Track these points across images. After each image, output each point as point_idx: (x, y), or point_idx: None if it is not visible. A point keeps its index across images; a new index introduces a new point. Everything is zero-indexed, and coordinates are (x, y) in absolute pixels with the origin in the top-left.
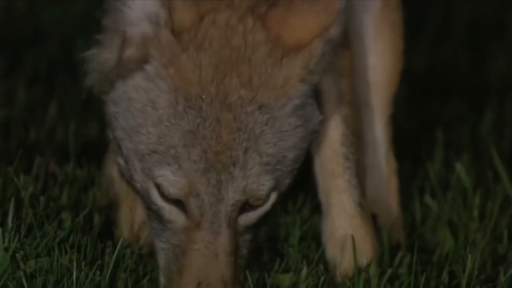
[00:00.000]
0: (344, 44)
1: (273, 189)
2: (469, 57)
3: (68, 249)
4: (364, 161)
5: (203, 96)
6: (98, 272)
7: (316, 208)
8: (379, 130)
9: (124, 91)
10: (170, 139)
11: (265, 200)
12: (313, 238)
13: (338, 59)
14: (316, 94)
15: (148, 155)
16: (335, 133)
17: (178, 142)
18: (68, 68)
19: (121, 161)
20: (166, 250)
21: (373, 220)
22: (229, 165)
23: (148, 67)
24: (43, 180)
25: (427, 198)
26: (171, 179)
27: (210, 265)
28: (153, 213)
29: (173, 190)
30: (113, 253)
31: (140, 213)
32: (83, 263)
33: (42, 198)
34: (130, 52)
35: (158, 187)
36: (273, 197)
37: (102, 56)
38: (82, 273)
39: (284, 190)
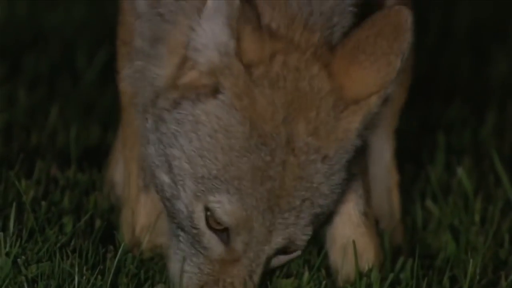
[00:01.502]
0: None
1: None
2: (471, 61)
3: (69, 253)
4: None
5: (275, 136)
6: (99, 277)
7: None
8: (384, 143)
9: (192, 113)
10: (237, 170)
11: (296, 249)
12: (315, 243)
13: None
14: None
15: (207, 179)
16: None
17: (245, 176)
18: (70, 72)
19: (165, 178)
20: (192, 274)
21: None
22: (285, 211)
23: (221, 97)
24: (44, 185)
25: (429, 203)
26: (226, 208)
27: None
28: (188, 235)
29: (226, 218)
30: (115, 257)
31: (142, 218)
32: (84, 268)
33: (43, 203)
34: (194, 77)
35: (207, 211)
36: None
37: (152, 70)
38: (84, 278)
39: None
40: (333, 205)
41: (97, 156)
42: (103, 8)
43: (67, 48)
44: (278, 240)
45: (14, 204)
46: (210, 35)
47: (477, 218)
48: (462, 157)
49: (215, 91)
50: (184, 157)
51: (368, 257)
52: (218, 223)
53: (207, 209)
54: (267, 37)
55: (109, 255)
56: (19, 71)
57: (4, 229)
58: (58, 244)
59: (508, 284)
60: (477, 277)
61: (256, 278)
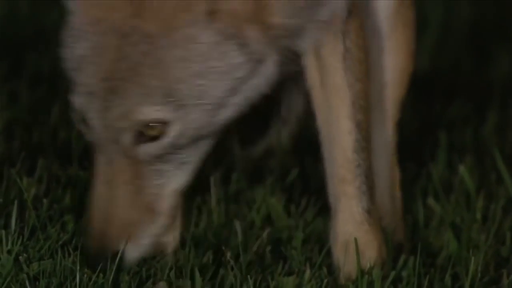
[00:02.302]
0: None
1: (168, 122)
2: (472, 59)
3: (71, 251)
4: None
5: (97, 22)
6: (101, 275)
7: (320, 211)
8: (387, 136)
9: None
10: (68, 63)
11: (162, 132)
12: (316, 241)
13: (355, 63)
14: (240, 37)
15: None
16: (348, 139)
17: (71, 66)
18: None
19: None
20: None
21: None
22: (109, 93)
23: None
24: (46, 183)
25: (430, 200)
26: (72, 101)
27: (111, 194)
28: None
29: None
30: (116, 255)
31: None
32: (86, 266)
33: (45, 200)
34: None
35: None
36: (174, 130)
37: None
38: (85, 275)
39: (204, 126)
40: (186, 86)
41: None
42: None
43: None
44: (114, 123)
45: (15, 202)
46: None
47: (478, 216)
48: (464, 156)
49: None
50: None
51: (371, 255)
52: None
53: None
54: None
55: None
56: (20, 69)
57: (6, 226)
58: (60, 242)
59: (509, 282)
60: (479, 275)
61: (120, 168)
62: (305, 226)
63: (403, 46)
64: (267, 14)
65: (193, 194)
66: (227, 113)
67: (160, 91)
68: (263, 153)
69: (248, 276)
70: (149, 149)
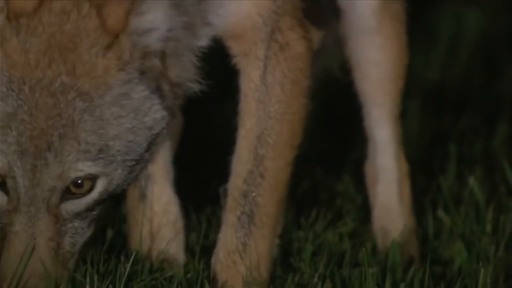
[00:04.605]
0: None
1: (96, 177)
2: (482, 71)
3: (81, 263)
4: (375, 165)
5: (25, 80)
6: (111, 286)
7: (329, 223)
8: (387, 131)
9: None
10: None
11: (89, 189)
12: (326, 253)
13: None
14: (160, 91)
15: None
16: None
17: None
18: None
19: None
20: None
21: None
22: (44, 151)
23: None
24: None
25: (440, 212)
26: None
27: (28, 249)
28: None
29: None
30: (126, 266)
31: (145, 227)
32: (96, 277)
33: None
34: None
35: None
36: (100, 186)
37: None
38: (96, 287)
39: (121, 182)
40: (118, 143)
41: None
42: None
43: None
44: (46, 181)
45: None
46: None
47: (488, 228)
48: (473, 168)
49: None
50: None
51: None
52: None
53: None
54: None
55: (120, 265)
56: None
57: None
58: None
59: None
60: (489, 286)
61: (42, 224)
62: (314, 238)
63: (394, 40)
64: (167, 69)
65: (203, 206)
66: (140, 168)
67: (96, 147)
68: None
69: None
70: (72, 206)
